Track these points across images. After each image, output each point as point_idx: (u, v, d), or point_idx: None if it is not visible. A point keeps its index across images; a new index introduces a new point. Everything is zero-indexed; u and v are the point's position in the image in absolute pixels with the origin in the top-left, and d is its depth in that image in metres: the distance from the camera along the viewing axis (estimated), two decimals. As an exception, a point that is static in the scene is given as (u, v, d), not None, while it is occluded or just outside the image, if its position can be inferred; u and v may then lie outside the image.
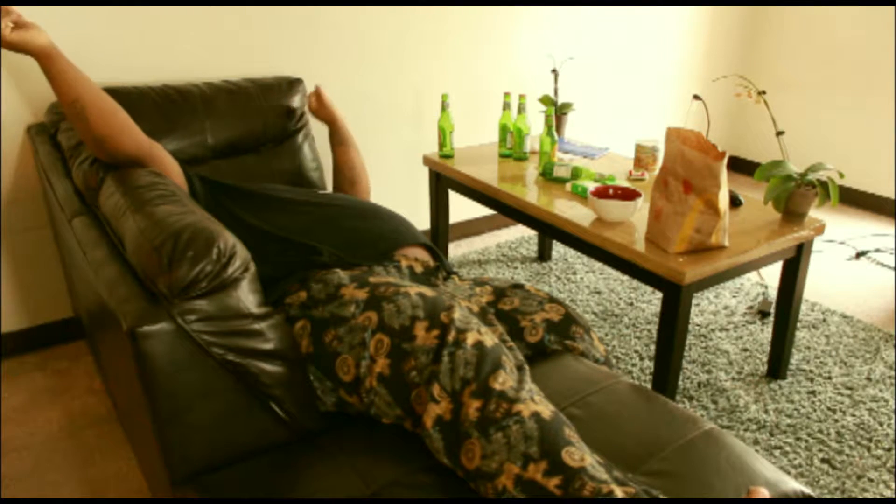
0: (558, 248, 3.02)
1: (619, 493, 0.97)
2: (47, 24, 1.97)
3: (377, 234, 1.54)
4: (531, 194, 2.07)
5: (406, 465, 1.13)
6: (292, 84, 2.23)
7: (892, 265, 2.91)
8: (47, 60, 1.34)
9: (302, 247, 1.44)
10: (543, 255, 2.90)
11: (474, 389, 1.09)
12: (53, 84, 1.37)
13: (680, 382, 2.07)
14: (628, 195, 1.87)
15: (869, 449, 1.79)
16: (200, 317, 1.07)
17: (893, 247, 3.10)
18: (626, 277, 2.74)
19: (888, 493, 1.65)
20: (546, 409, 1.08)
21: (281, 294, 1.34)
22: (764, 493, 0.98)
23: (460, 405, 1.09)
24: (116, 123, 1.42)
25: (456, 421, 1.09)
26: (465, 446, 1.07)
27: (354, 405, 1.23)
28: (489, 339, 1.17)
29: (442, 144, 2.42)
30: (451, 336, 1.15)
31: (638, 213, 1.90)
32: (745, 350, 2.24)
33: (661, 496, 1.03)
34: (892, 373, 2.11)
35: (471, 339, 1.15)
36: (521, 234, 3.22)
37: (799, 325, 2.39)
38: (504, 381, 1.10)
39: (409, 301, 1.22)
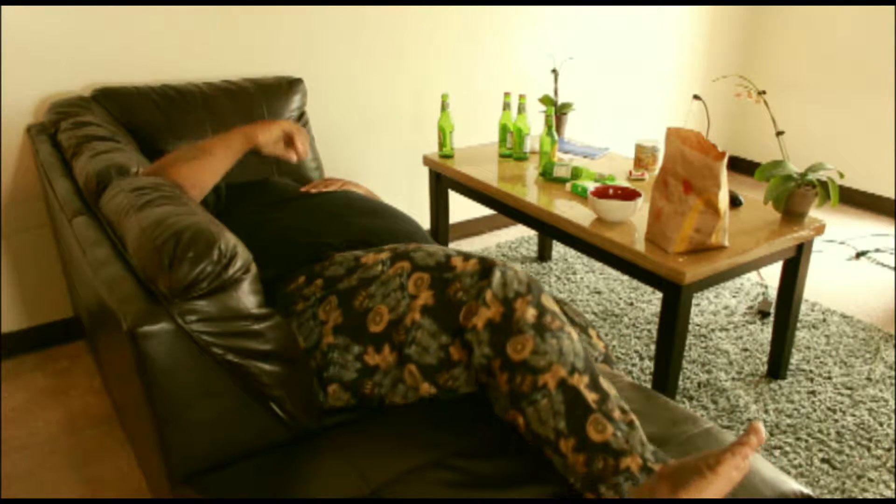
0: (558, 248, 3.02)
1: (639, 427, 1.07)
2: (46, 23, 1.97)
3: (389, 234, 1.50)
4: (531, 194, 2.07)
5: (406, 464, 1.13)
6: (292, 84, 2.23)
7: (892, 265, 2.91)
8: (227, 150, 1.50)
9: (308, 246, 1.42)
10: (543, 255, 2.90)
11: (529, 300, 1.09)
12: (199, 153, 1.47)
13: (680, 382, 2.07)
14: (628, 195, 1.87)
15: (869, 449, 1.79)
16: (201, 317, 1.07)
17: (893, 247, 3.10)
18: (626, 277, 2.74)
19: (888, 493, 1.65)
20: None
21: (293, 290, 1.33)
22: (761, 429, 0.99)
23: (513, 310, 1.09)
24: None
25: (509, 320, 1.08)
26: (517, 338, 1.07)
27: (380, 366, 1.19)
28: None
29: (442, 144, 2.42)
30: (498, 264, 1.14)
31: (638, 213, 1.90)
32: (745, 350, 2.24)
33: (670, 460, 1.04)
34: (892, 373, 2.11)
35: (519, 271, 1.15)
36: (521, 234, 3.22)
37: (799, 325, 2.39)
38: (553, 307, 1.11)
39: (439, 249, 1.22)
